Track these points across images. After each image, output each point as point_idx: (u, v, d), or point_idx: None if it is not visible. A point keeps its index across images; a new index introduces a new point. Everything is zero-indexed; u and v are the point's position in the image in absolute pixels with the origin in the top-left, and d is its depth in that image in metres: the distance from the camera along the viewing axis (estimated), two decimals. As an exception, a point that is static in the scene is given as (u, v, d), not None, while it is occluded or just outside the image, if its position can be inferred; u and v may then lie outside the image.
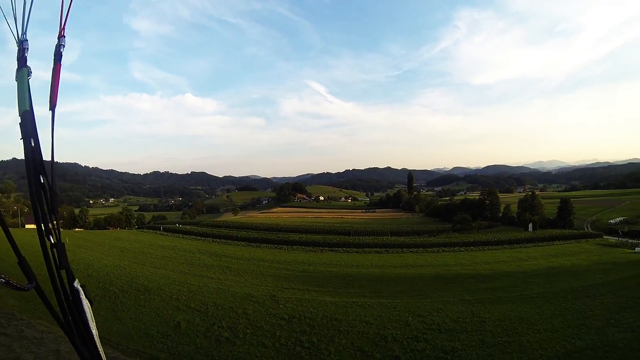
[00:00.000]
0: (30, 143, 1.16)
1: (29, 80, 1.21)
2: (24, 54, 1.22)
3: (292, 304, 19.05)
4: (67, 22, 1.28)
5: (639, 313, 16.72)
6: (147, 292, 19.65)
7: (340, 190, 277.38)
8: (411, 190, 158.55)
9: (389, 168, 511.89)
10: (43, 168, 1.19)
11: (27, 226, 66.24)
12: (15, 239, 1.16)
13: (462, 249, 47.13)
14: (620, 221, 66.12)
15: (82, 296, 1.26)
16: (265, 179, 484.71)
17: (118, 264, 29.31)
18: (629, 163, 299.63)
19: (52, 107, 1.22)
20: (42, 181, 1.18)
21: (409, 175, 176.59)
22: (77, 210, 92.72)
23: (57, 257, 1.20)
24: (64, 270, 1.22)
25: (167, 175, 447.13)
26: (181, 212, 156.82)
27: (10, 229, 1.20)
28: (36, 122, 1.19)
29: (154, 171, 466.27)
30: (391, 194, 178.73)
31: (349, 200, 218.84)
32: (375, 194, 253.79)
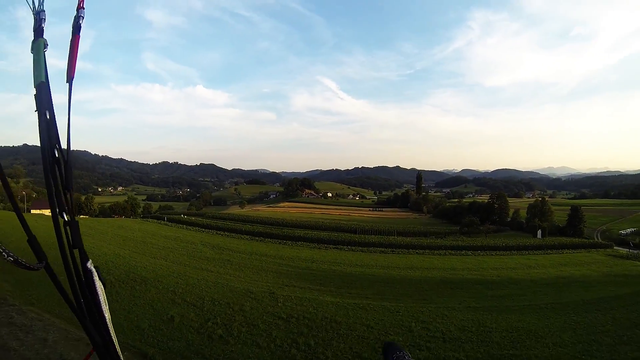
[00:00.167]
0: (45, 115, 1.09)
1: (45, 52, 1.14)
2: (41, 24, 1.15)
3: (292, 302, 18.45)
4: None
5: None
6: (144, 283, 19.21)
7: (349, 188, 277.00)
8: (420, 190, 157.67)
9: (397, 167, 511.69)
10: (58, 141, 1.13)
11: (32, 211, 66.97)
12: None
13: (470, 252, 45.99)
14: (632, 232, 63.85)
15: (96, 277, 1.21)
16: (274, 174, 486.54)
17: (118, 253, 29.02)
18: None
19: (70, 79, 1.17)
20: (56, 155, 1.11)
21: (418, 176, 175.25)
22: (82, 197, 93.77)
23: (70, 236, 1.15)
24: (77, 250, 1.17)
25: (176, 165, 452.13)
26: (188, 203, 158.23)
27: None
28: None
29: (163, 161, 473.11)
30: (399, 194, 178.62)
31: (357, 198, 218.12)
32: (384, 193, 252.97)
